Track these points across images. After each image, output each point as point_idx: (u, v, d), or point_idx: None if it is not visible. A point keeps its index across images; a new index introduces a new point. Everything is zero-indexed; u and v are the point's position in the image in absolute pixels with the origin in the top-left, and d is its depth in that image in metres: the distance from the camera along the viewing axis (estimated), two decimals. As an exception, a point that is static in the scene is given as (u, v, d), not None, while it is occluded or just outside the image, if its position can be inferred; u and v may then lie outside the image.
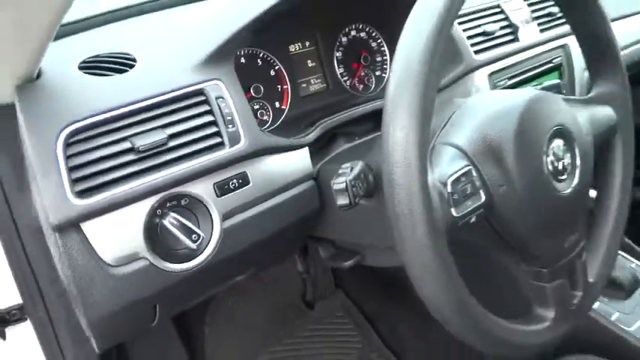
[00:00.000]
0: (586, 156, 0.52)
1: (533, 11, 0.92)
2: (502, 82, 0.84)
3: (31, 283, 0.64)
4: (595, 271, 0.58)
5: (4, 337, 0.68)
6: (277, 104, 0.72)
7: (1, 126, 0.51)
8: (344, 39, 0.79)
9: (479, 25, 0.82)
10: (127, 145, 0.48)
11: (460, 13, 0.77)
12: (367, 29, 0.81)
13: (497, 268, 0.58)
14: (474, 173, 0.44)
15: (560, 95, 0.56)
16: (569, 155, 0.50)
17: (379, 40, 0.82)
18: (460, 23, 0.79)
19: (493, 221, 0.47)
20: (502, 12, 0.87)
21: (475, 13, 0.83)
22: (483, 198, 0.44)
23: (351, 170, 0.48)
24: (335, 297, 1.29)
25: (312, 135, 0.64)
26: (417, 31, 0.40)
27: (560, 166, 0.49)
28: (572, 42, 0.98)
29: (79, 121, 0.46)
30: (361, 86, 0.80)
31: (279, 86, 0.72)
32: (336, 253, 0.73)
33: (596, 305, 0.83)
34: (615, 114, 0.60)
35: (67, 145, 0.45)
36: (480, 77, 0.80)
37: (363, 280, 1.28)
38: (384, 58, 0.83)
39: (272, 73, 0.71)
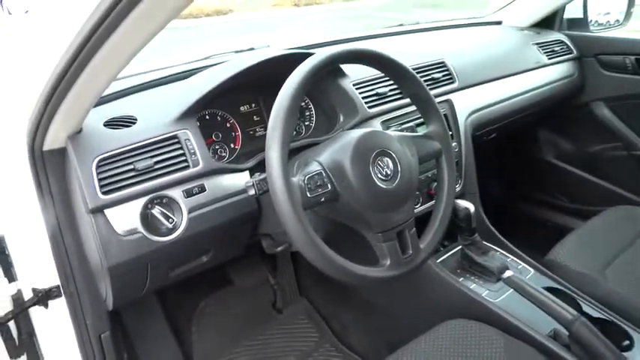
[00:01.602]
0: (408, 169, 0.85)
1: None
2: (394, 127, 1.19)
3: (67, 267, 0.96)
4: (426, 241, 0.90)
5: (46, 307, 1.00)
6: (232, 145, 1.07)
7: (56, 161, 0.87)
8: None
9: (373, 89, 1.19)
10: (130, 167, 0.83)
11: (359, 80, 1.15)
12: None
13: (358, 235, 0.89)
14: (324, 174, 0.79)
15: (395, 132, 0.92)
16: (392, 167, 0.84)
17: (305, 100, 1.18)
18: (357, 88, 1.16)
19: (340, 204, 0.80)
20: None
21: (371, 81, 1.19)
22: (329, 187, 0.78)
23: (260, 174, 0.82)
24: (299, 303, 1.59)
25: (251, 163, 0.99)
26: (277, 107, 0.76)
27: (384, 173, 0.82)
28: (455, 98, 1.35)
29: (103, 153, 0.82)
30: (294, 132, 1.16)
31: (234, 133, 1.08)
32: (272, 243, 1.06)
33: (472, 286, 1.13)
34: (439, 144, 0.95)
35: (98, 166, 0.81)
36: (376, 124, 1.16)
37: (322, 290, 1.59)
38: (309, 112, 1.19)
39: (228, 125, 1.07)
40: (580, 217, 1.70)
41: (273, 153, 0.73)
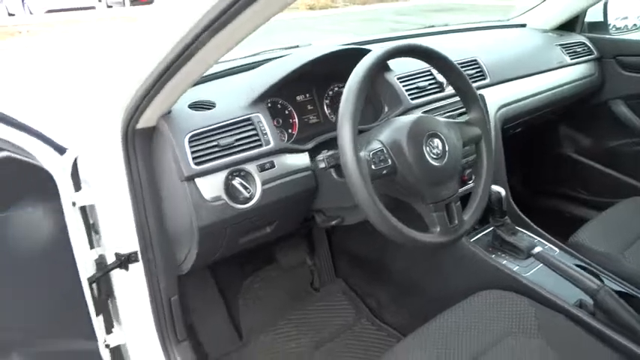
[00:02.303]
0: (454, 150, 0.98)
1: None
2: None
3: (146, 234, 1.09)
4: (469, 214, 1.02)
5: (127, 269, 1.13)
6: (289, 130, 1.20)
7: (145, 138, 0.99)
8: (330, 92, 1.28)
9: (414, 82, 1.31)
10: (215, 143, 0.96)
11: (401, 75, 1.27)
12: (343, 86, 1.31)
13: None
14: (384, 150, 0.91)
15: (442, 118, 1.04)
16: (441, 147, 0.96)
17: None
18: (400, 81, 1.28)
19: (398, 177, 0.93)
20: (431, 74, 1.36)
21: (412, 75, 1.32)
22: (389, 162, 0.91)
23: (327, 150, 0.95)
24: (335, 283, 1.72)
25: (310, 145, 1.12)
26: (347, 92, 0.88)
27: (435, 152, 0.95)
28: (486, 93, 1.47)
29: (192, 131, 0.95)
30: None
31: (291, 120, 1.20)
32: (325, 218, 1.19)
33: (504, 262, 1.25)
34: (480, 130, 1.07)
35: (190, 140, 0.94)
36: (418, 114, 1.28)
37: (357, 270, 1.71)
38: None
39: (286, 112, 1.20)
40: (596, 208, 1.80)
41: (345, 130, 0.85)
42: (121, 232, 1.06)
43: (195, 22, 0.67)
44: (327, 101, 1.27)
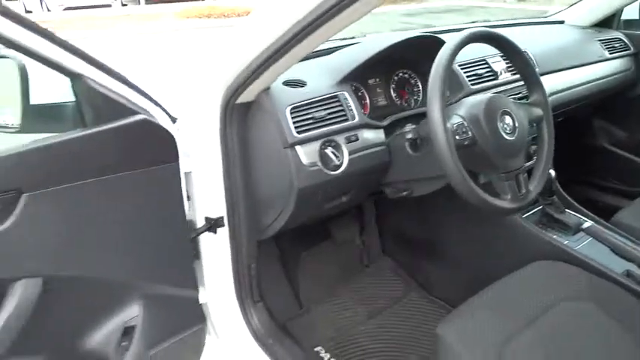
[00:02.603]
0: (522, 126, 1.08)
1: (507, 64, 1.52)
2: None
3: (234, 200, 1.19)
4: (533, 184, 1.12)
5: (215, 232, 1.23)
6: (362, 111, 1.31)
7: (242, 112, 1.10)
8: (395, 78, 1.39)
9: (473, 70, 1.42)
10: (310, 116, 1.07)
11: (461, 62, 1.38)
12: (408, 73, 1.42)
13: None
14: (465, 124, 1.02)
15: (510, 98, 1.15)
16: (512, 124, 1.07)
17: (415, 79, 1.42)
18: (461, 68, 1.39)
19: (477, 148, 1.03)
20: (487, 63, 1.47)
21: (471, 63, 1.43)
22: (470, 134, 1.02)
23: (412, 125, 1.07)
24: (383, 261, 1.82)
25: (385, 122, 1.23)
26: (436, 70, 0.99)
27: (507, 128, 1.06)
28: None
29: (291, 104, 1.06)
30: (405, 103, 1.40)
31: (363, 101, 1.31)
32: (394, 191, 1.30)
33: (554, 236, 1.36)
34: (541, 111, 1.18)
35: (291, 112, 1.05)
36: (489, 94, 1.38)
37: (404, 248, 1.82)
38: (417, 89, 1.43)
39: (360, 94, 1.30)
40: (629, 197, 1.90)
41: (435, 104, 0.96)
42: (211, 198, 1.17)
43: (312, 9, 0.76)
44: (393, 85, 1.38)
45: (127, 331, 0.98)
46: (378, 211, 1.84)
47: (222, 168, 1.13)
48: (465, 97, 1.36)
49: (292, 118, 1.05)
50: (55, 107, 0.94)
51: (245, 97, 1.08)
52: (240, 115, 1.11)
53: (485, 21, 2.06)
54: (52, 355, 0.90)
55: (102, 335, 0.96)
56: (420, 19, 10.84)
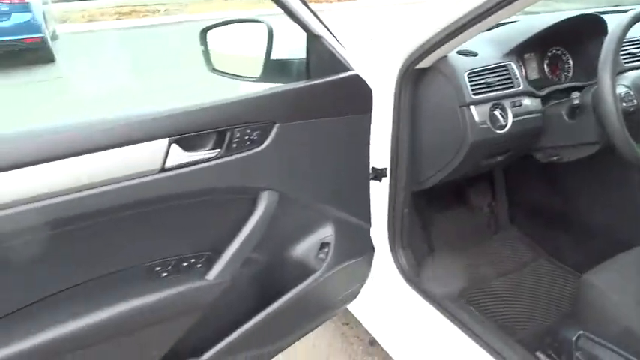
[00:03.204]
0: None
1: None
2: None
3: (399, 153, 1.38)
4: None
5: (380, 181, 1.44)
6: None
7: (417, 76, 1.29)
8: (549, 54, 1.51)
9: (627, 49, 1.50)
10: (483, 81, 1.24)
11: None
12: (560, 50, 1.53)
13: None
14: (631, 92, 1.14)
15: None
16: None
17: (567, 56, 1.53)
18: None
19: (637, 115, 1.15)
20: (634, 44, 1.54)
21: (625, 43, 1.51)
22: (634, 102, 1.13)
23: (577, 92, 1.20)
24: (511, 230, 1.95)
25: (542, 92, 1.37)
26: (609, 41, 1.11)
27: None
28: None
29: (468, 70, 1.24)
30: (556, 78, 1.51)
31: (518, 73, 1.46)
32: (544, 156, 1.43)
33: None
34: None
35: (468, 76, 1.23)
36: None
37: (533, 217, 1.92)
38: (568, 65, 1.53)
39: (519, 66, 1.45)
40: None
41: (606, 72, 1.09)
42: (378, 151, 1.37)
43: None
44: (547, 61, 1.50)
45: (323, 246, 1.22)
46: (507, 183, 1.96)
47: (391, 125, 1.33)
48: (622, 72, 1.46)
49: (469, 81, 1.22)
50: (286, 62, 1.18)
51: (424, 63, 1.26)
52: (415, 79, 1.29)
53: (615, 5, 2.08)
54: (270, 258, 1.16)
55: (304, 247, 1.21)
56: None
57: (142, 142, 0.83)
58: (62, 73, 6.99)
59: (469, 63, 1.26)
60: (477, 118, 1.22)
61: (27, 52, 7.17)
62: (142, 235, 0.92)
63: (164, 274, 0.96)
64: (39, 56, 7.26)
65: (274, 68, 1.17)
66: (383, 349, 1.62)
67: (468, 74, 1.23)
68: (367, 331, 1.74)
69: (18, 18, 6.88)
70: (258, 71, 1.15)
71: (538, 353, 1.16)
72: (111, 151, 0.80)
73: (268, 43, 1.12)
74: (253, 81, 1.17)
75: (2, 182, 0.71)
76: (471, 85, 1.23)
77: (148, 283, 0.92)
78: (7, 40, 6.79)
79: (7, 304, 0.78)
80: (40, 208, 0.74)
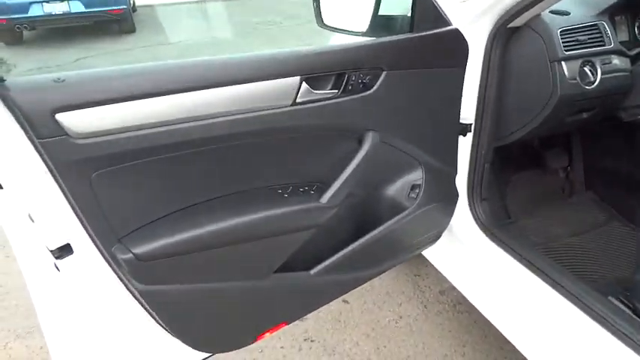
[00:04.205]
0: None
1: None
2: None
3: (484, 109, 1.48)
4: None
5: (465, 135, 1.54)
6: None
7: (508, 35, 1.37)
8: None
9: None
10: (575, 39, 1.32)
11: None
12: None
13: None
14: None
15: None
16: None
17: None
18: None
19: None
20: None
21: None
22: None
23: None
24: (586, 195, 2.00)
25: (632, 53, 1.42)
26: None
27: None
28: None
29: (559, 29, 1.31)
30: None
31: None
32: (632, 114, 1.49)
33: None
34: None
35: (560, 33, 1.30)
36: None
37: (610, 182, 1.96)
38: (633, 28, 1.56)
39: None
40: None
41: None
42: (465, 107, 1.46)
43: None
44: (638, 23, 1.53)
45: (414, 187, 1.36)
46: (584, 148, 2.00)
47: (478, 81, 1.42)
48: None
49: (561, 38, 1.30)
50: (390, 18, 1.31)
51: (516, 22, 1.34)
52: (506, 37, 1.38)
53: None
54: (369, 193, 1.31)
55: (398, 187, 1.35)
56: None
57: (280, 78, 1.00)
58: (165, 41, 7.47)
59: (562, 21, 1.33)
60: (567, 73, 1.30)
61: (112, 23, 7.68)
62: (269, 162, 1.10)
63: (285, 196, 1.13)
64: (121, 27, 7.75)
65: (380, 24, 1.30)
66: (452, 299, 1.74)
67: (561, 31, 1.31)
68: (437, 282, 1.88)
69: (104, -10, 7.38)
70: (365, 26, 1.28)
71: (610, 298, 1.25)
72: (257, 83, 0.97)
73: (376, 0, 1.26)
74: (361, 35, 1.31)
75: (173, 103, 0.90)
76: (563, 42, 1.31)
77: (276, 199, 1.11)
78: (96, 11, 7.28)
79: (178, 203, 0.99)
80: (207, 124, 0.93)
